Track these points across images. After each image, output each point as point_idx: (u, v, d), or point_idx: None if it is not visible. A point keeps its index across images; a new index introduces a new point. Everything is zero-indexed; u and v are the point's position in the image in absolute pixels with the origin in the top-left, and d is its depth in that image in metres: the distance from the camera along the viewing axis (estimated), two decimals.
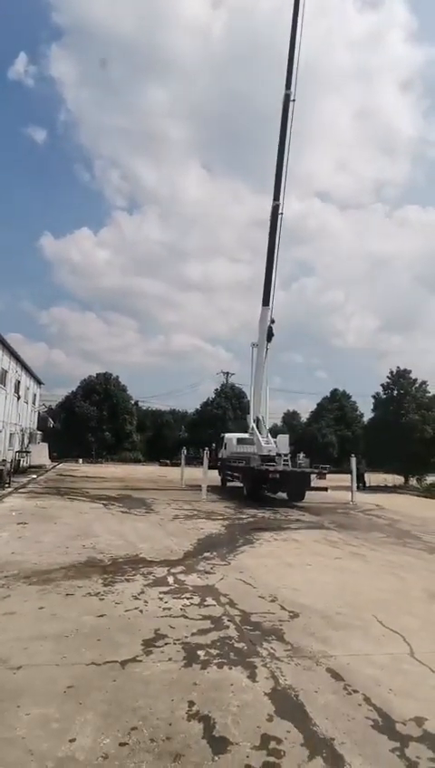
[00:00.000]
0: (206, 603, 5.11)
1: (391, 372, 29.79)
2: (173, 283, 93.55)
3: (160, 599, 5.19)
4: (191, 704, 3.19)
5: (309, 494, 15.85)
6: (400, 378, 29.37)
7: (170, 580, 5.92)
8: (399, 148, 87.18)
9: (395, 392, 29.16)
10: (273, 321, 18.93)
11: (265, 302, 19.02)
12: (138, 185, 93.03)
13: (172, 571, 6.34)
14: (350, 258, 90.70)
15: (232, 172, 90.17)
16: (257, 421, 18.36)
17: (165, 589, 5.54)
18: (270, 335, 18.87)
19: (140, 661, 3.74)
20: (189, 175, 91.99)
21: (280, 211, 18.61)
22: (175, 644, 4.06)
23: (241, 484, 17.37)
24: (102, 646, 3.98)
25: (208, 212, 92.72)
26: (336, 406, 51.36)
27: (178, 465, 23.77)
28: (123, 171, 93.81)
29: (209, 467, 17.73)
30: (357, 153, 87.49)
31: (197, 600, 5.21)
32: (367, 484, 24.35)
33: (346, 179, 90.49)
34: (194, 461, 25.03)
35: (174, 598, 5.23)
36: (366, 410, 47.52)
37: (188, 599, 5.22)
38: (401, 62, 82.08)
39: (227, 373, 57.65)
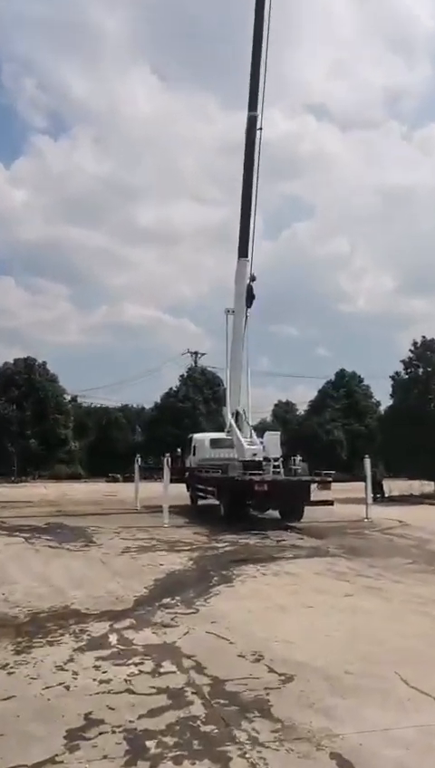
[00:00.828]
0: (162, 670, 4.98)
1: (415, 344, 30.18)
2: (119, 234, 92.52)
3: (97, 667, 5.04)
4: None
5: (309, 511, 15.94)
6: (426, 351, 29.77)
7: (113, 639, 5.84)
8: (416, 45, 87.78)
9: (420, 370, 29.56)
10: (253, 279, 19.01)
11: (243, 252, 19.09)
12: (64, 97, 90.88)
13: (116, 626, 6.27)
14: (357, 195, 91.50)
15: (194, 79, 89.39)
16: (237, 415, 18.45)
17: (104, 653, 5.41)
18: (250, 297, 18.88)
19: (61, 763, 3.51)
20: (135, 83, 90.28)
21: (258, 125, 18.54)
22: (114, 732, 3.86)
23: (217, 502, 17.45)
24: (6, 743, 3.73)
25: (164, 134, 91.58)
26: (344, 392, 52.08)
27: (132, 479, 23.55)
28: (42, 78, 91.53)
29: (174, 480, 17.89)
30: (361, 52, 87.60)
31: (149, 665, 5.08)
32: (386, 494, 24.72)
33: (348, 89, 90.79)
34: (154, 473, 24.92)
35: (116, 665, 5.10)
36: (383, 396, 48.38)
37: (136, 665, 5.10)
38: None
39: (196, 353, 57.83)
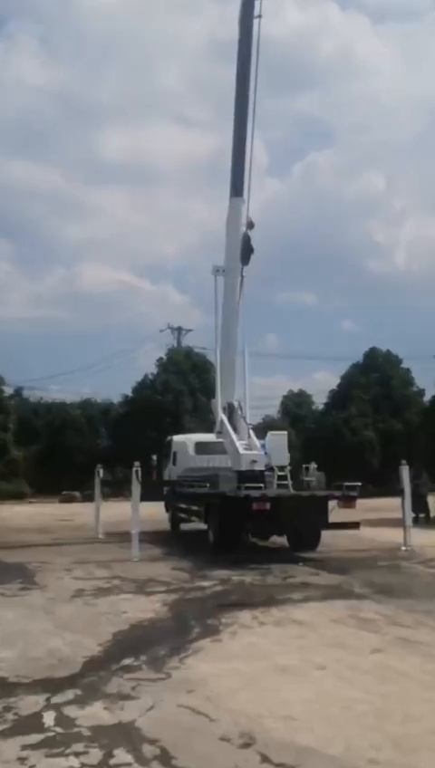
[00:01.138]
0: (113, 761, 4.81)
1: None
2: (77, 169, 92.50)
3: (22, 761, 4.85)
4: None
5: (327, 537, 16.00)
6: None
7: (48, 718, 5.68)
8: None
9: None
10: (252, 226, 19.06)
11: (237, 189, 18.91)
12: None
13: (55, 699, 6.14)
14: (395, 112, 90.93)
15: None
16: (231, 411, 18.41)
17: (34, 738, 5.24)
18: (247, 250, 18.78)
19: None
20: None
21: (257, 12, 18.29)
22: None
23: (205, 526, 17.49)
24: None
25: (136, 31, 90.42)
26: (376, 378, 52.13)
27: (94, 498, 23.55)
28: None
29: (148, 498, 17.83)
30: None
31: (95, 755, 4.90)
32: (432, 514, 24.68)
33: None
34: (125, 489, 24.86)
35: (50, 756, 4.92)
36: (428, 383, 48.15)
37: (77, 755, 4.91)
38: None
39: (179, 329, 57.73)
